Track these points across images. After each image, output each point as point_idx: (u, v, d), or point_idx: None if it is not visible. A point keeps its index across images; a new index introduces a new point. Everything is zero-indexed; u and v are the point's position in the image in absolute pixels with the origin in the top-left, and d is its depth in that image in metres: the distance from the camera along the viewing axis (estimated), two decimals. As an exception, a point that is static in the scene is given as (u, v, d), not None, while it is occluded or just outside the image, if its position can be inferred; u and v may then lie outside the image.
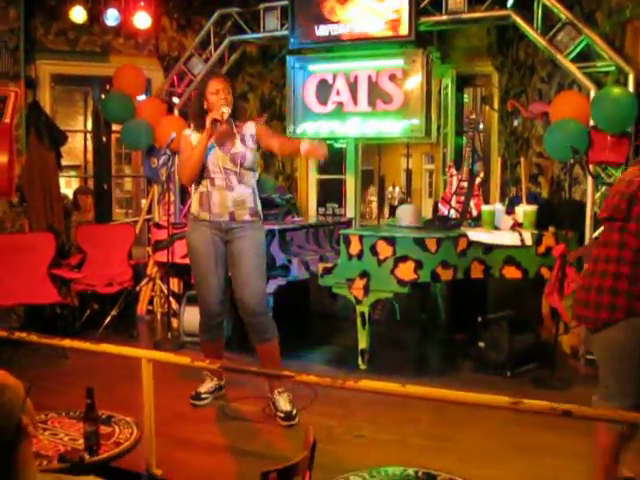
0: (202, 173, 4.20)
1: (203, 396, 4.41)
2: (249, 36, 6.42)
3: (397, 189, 15.69)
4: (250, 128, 4.26)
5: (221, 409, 4.28)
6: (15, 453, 1.67)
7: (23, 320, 5.86)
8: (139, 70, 6.61)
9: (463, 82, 6.55)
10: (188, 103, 6.64)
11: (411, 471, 2.48)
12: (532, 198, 5.44)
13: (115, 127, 7.49)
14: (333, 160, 7.03)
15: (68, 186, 8.39)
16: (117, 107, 6.54)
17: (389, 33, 5.73)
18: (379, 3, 5.73)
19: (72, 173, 10.22)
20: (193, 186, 4.73)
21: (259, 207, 4.27)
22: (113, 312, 6.06)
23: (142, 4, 6.53)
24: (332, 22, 5.94)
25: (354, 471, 2.45)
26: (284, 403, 4.13)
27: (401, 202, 7.85)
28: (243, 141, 4.19)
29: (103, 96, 7.07)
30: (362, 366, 5.03)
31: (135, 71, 6.58)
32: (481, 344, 5.10)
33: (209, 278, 4.25)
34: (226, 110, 4.08)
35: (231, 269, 4.25)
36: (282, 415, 4.09)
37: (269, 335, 4.22)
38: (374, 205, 14.80)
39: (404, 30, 5.64)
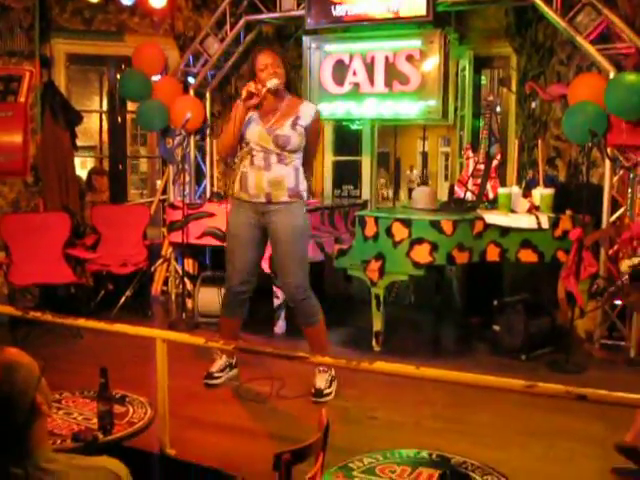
0: (242, 148, 4.12)
1: (216, 375, 4.41)
2: (265, 16, 6.36)
3: (415, 172, 15.55)
4: (308, 114, 4.14)
5: (235, 390, 4.29)
6: (29, 431, 1.67)
7: (38, 300, 5.89)
8: (158, 48, 6.56)
9: (481, 64, 6.47)
10: (203, 83, 6.64)
11: (425, 453, 2.47)
12: (549, 181, 5.39)
13: (130, 107, 7.48)
14: (349, 141, 7.00)
15: (84, 167, 8.41)
16: (134, 85, 6.50)
17: (407, 14, 5.66)
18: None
19: (87, 153, 10.25)
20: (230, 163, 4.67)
21: (301, 187, 4.15)
22: (128, 292, 6.08)
23: (158, -17, 6.48)
24: (349, 2, 5.87)
25: (368, 453, 2.45)
26: (320, 380, 4.16)
27: (423, 184, 7.74)
28: (294, 124, 4.07)
29: (119, 76, 7.06)
30: (376, 348, 5.02)
31: (154, 49, 6.53)
32: (496, 327, 5.07)
33: (235, 258, 4.25)
34: (271, 84, 3.95)
35: (273, 253, 4.25)
36: (313, 391, 4.11)
37: (312, 319, 4.21)
38: (383, 189, 14.68)
39: (422, 10, 5.57)
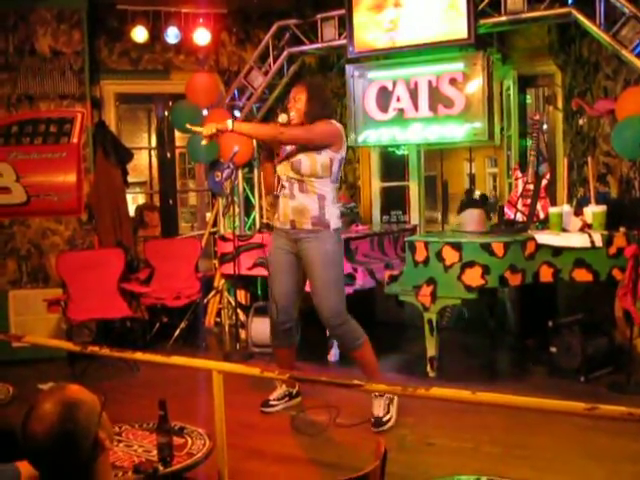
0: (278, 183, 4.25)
1: (272, 403, 4.43)
2: (307, 47, 6.45)
3: (477, 193, 15.26)
4: None
5: (292, 419, 4.29)
6: (94, 466, 1.71)
7: (95, 334, 5.99)
8: (214, 79, 6.69)
9: (525, 83, 6.43)
10: (249, 116, 6.74)
11: (485, 479, 2.43)
12: (601, 198, 5.29)
13: (179, 143, 7.63)
14: (396, 167, 7.01)
15: (135, 202, 8.57)
16: (185, 116, 6.60)
17: (448, 37, 5.68)
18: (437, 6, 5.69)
19: (138, 189, 10.45)
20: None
21: (327, 215, 4.11)
22: (182, 324, 6.16)
23: (201, 20, 6.64)
24: (390, 29, 5.92)
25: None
26: (377, 408, 4.10)
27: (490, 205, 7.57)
28: (305, 147, 4.11)
29: (166, 112, 7.21)
30: (431, 373, 4.98)
31: (210, 80, 6.65)
32: (553, 349, 4.98)
33: (273, 286, 4.31)
34: (281, 119, 4.11)
35: (308, 281, 4.26)
36: (372, 420, 4.07)
37: (354, 344, 4.18)
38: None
39: (463, 33, 5.58)
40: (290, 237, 4.20)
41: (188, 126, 4.39)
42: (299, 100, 4.15)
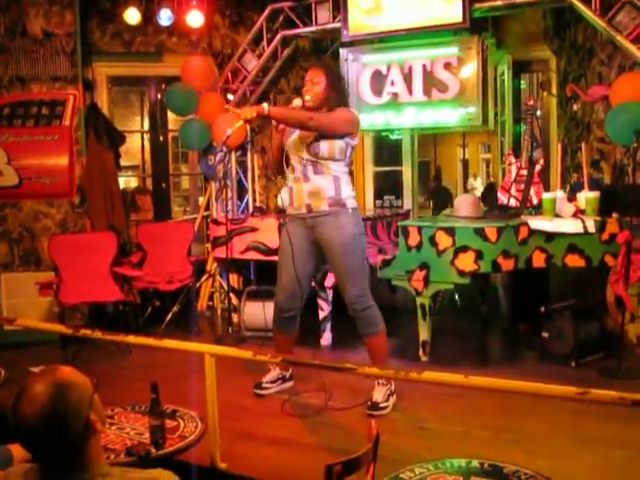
0: (287, 163, 4.19)
1: (265, 386, 4.43)
2: (301, 30, 6.41)
3: (479, 180, 15.14)
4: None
5: (284, 402, 4.29)
6: (85, 448, 1.71)
7: (87, 318, 5.99)
8: (209, 62, 6.64)
9: (520, 68, 6.42)
10: (243, 99, 6.71)
11: (476, 463, 2.45)
12: (594, 184, 5.30)
13: (171, 126, 7.59)
14: (389, 152, 6.99)
15: (127, 186, 8.54)
16: (180, 99, 6.57)
17: (443, 21, 5.65)
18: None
19: (130, 173, 10.41)
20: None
21: (343, 195, 4.10)
22: (174, 308, 6.15)
23: (195, 3, 6.57)
24: (385, 12, 5.88)
25: (419, 463, 2.43)
26: (377, 394, 4.10)
27: (487, 191, 7.50)
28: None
29: (159, 95, 7.16)
30: (423, 358, 4.99)
31: (205, 63, 6.61)
32: (545, 334, 5.00)
33: (281, 273, 4.28)
34: (295, 102, 4.05)
35: (329, 264, 4.24)
36: (369, 403, 4.07)
37: (373, 330, 4.17)
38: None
39: (458, 17, 5.55)
40: (307, 224, 4.16)
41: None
42: (317, 84, 4.08)
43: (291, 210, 4.21)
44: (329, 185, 4.08)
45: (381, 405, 4.06)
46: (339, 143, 4.07)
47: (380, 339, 4.21)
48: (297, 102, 4.08)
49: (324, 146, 4.06)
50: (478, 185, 15.15)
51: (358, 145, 6.82)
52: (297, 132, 4.12)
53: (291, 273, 4.22)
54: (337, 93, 4.13)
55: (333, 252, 4.12)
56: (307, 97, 4.06)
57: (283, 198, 4.27)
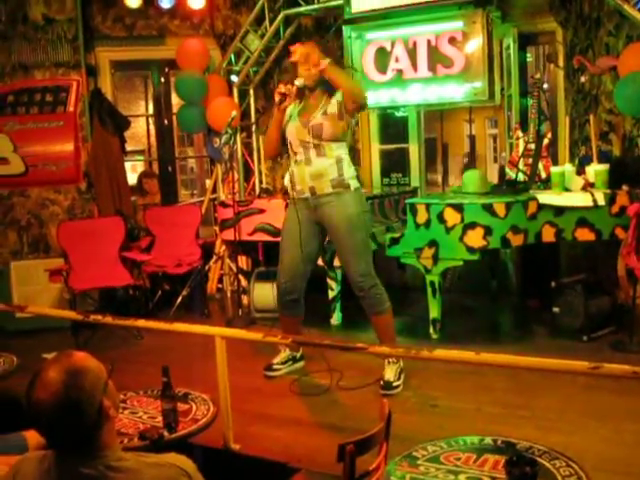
0: (288, 147, 4.17)
1: (275, 367, 4.44)
2: (303, 8, 6.35)
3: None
4: (339, 95, 4.09)
5: (294, 383, 4.30)
6: (98, 434, 1.71)
7: (98, 303, 6.01)
8: (202, 45, 6.59)
9: (526, 41, 6.33)
10: (246, 80, 6.67)
11: (489, 440, 2.44)
12: (603, 157, 5.25)
13: (176, 109, 7.56)
14: (395, 129, 6.94)
15: (134, 171, 8.53)
16: (190, 86, 6.52)
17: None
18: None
19: (137, 157, 10.41)
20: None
21: (346, 175, 4.11)
22: (184, 292, 6.16)
23: (195, -16, 6.52)
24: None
25: (431, 441, 2.43)
26: (389, 373, 4.11)
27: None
28: (325, 112, 4.06)
29: (163, 79, 7.13)
30: (434, 335, 4.99)
31: (199, 47, 6.56)
32: (555, 309, 4.98)
33: (284, 256, 4.27)
34: (298, 82, 3.99)
35: (333, 245, 4.24)
36: (382, 383, 4.08)
37: (379, 308, 4.18)
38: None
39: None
40: (310, 205, 4.16)
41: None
42: (314, 64, 4.02)
43: (294, 193, 4.20)
44: (332, 167, 4.09)
45: (394, 384, 4.06)
46: (341, 123, 4.07)
47: (387, 317, 4.21)
48: (300, 81, 4.02)
49: (327, 126, 4.04)
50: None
51: (364, 123, 6.84)
52: (297, 117, 4.11)
53: (293, 257, 4.23)
54: (339, 67, 4.16)
55: (338, 231, 4.12)
56: (299, 81, 4.00)
57: (285, 181, 4.27)
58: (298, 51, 4.04)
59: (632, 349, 4.52)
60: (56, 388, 1.65)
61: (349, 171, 4.15)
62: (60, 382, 1.66)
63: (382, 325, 4.21)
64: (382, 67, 6.10)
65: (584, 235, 4.86)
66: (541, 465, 2.18)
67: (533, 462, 2.13)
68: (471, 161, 13.52)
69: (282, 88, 4.00)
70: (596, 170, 4.97)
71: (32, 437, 2.29)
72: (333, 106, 4.07)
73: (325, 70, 3.96)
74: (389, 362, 4.13)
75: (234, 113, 5.61)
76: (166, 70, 7.30)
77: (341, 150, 4.12)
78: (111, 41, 6.78)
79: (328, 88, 4.09)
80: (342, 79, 4.05)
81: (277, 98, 4.02)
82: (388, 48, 6.06)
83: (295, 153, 4.13)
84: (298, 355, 4.52)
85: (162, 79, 7.35)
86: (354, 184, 4.16)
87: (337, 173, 4.09)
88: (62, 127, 6.23)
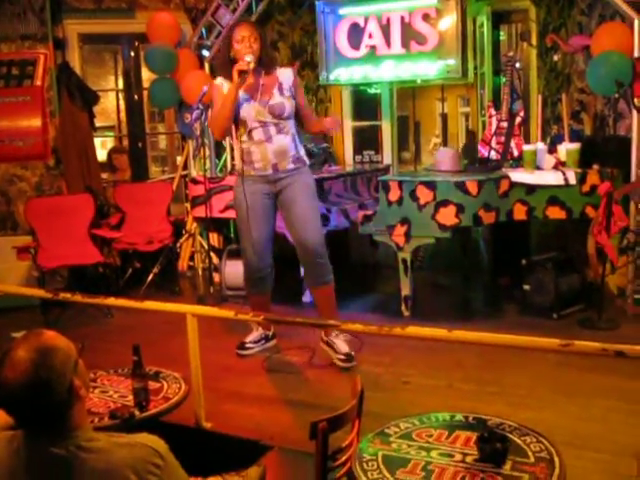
0: (239, 127, 4.14)
1: (247, 345, 4.43)
2: (276, -17, 6.27)
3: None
4: (287, 75, 4.19)
5: (267, 361, 4.30)
6: (68, 414, 1.68)
7: (67, 281, 5.93)
8: (173, 19, 6.48)
9: (499, 19, 6.33)
10: (218, 55, 6.58)
11: (460, 416, 2.45)
12: (575, 136, 5.28)
13: (146, 84, 7.44)
14: (368, 106, 6.90)
15: (104, 147, 8.41)
16: (161, 59, 6.40)
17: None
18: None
19: (107, 133, 10.25)
20: (231, 140, 4.70)
21: (302, 152, 4.25)
22: (155, 269, 6.10)
23: (166, -44, 6.39)
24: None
25: (403, 418, 2.43)
26: (342, 345, 4.15)
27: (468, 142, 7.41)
28: (281, 90, 4.12)
29: (133, 53, 7.00)
30: (406, 313, 5.01)
31: (169, 20, 6.45)
32: (526, 287, 5.02)
33: (250, 232, 4.22)
34: (250, 59, 3.95)
35: (286, 215, 4.22)
36: (342, 357, 4.10)
37: (326, 278, 4.21)
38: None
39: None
40: (269, 180, 4.17)
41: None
42: (256, 40, 4.03)
43: (250, 171, 4.17)
44: (291, 144, 4.16)
45: (352, 354, 4.11)
46: (292, 101, 4.15)
47: (331, 289, 4.25)
48: (250, 58, 3.94)
49: (287, 105, 4.11)
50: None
51: (337, 100, 6.81)
52: (251, 99, 4.07)
53: (260, 232, 4.22)
54: (271, 53, 4.30)
55: (298, 197, 4.16)
56: (250, 57, 3.96)
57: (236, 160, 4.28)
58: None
59: (600, 326, 4.59)
60: (25, 367, 1.62)
61: (301, 147, 4.27)
62: (29, 361, 1.63)
63: (327, 296, 4.23)
64: (355, 43, 6.06)
65: (555, 213, 4.90)
66: (512, 441, 2.20)
67: (504, 438, 2.15)
68: (443, 139, 13.53)
69: (242, 65, 3.93)
70: (567, 149, 5.00)
71: (1, 416, 2.26)
72: (287, 91, 4.13)
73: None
74: (336, 335, 4.19)
75: (205, 88, 5.53)
76: (136, 44, 7.17)
77: (293, 127, 4.21)
78: (79, 13, 6.63)
79: (270, 65, 4.15)
80: None
81: (237, 76, 3.94)
82: (361, 24, 6.02)
83: (250, 132, 4.11)
84: (270, 334, 4.51)
85: (132, 53, 7.21)
86: (307, 160, 4.30)
87: (295, 149, 4.18)
88: (29, 102, 6.08)
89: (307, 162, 4.28)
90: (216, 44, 6.52)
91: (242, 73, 3.95)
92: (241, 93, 4.06)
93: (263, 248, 4.26)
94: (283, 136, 4.12)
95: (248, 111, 4.09)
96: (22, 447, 1.69)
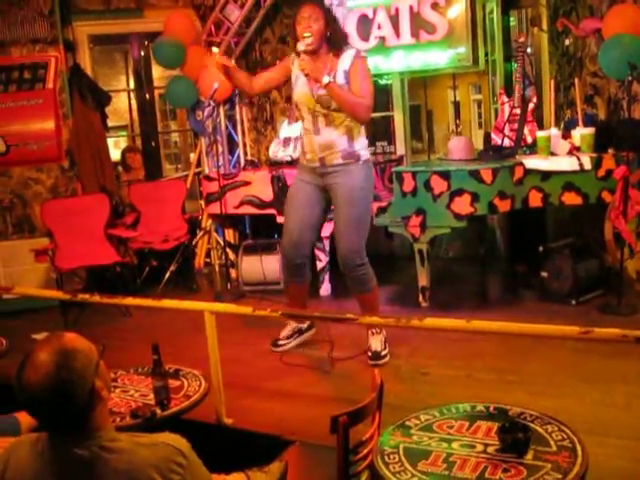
0: (297, 110, 4.10)
1: (280, 342, 4.37)
2: (284, -23, 6.25)
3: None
4: (345, 61, 3.89)
5: (282, 355, 4.29)
6: (90, 415, 1.69)
7: (85, 282, 5.97)
8: (190, 17, 6.48)
9: (508, 4, 6.26)
10: (227, 51, 6.58)
11: (482, 407, 2.44)
12: (589, 120, 5.23)
13: (157, 83, 7.47)
14: (379, 97, 6.88)
15: (117, 147, 8.44)
16: (168, 52, 6.41)
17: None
18: None
19: (120, 133, 10.29)
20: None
21: (357, 147, 3.98)
22: (172, 267, 6.12)
23: (173, -46, 6.39)
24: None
25: (424, 410, 2.43)
26: (375, 343, 4.10)
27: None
28: (335, 78, 3.84)
29: (143, 53, 7.01)
30: (423, 304, 4.99)
31: (186, 19, 6.45)
32: (544, 274, 5.00)
33: (288, 220, 4.20)
34: (307, 41, 3.77)
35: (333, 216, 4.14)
36: (370, 354, 4.07)
37: (365, 287, 4.09)
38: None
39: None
40: (317, 172, 4.07)
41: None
42: (316, 20, 3.82)
43: (303, 160, 4.13)
44: (341, 137, 3.94)
45: (382, 354, 4.07)
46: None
47: (371, 296, 4.14)
48: (303, 44, 3.79)
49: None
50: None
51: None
52: (306, 83, 3.91)
53: (299, 220, 4.13)
54: (340, 31, 3.98)
55: (339, 202, 4.02)
56: (307, 35, 3.78)
57: (299, 147, 4.17)
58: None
59: (620, 312, 4.55)
60: (47, 370, 1.63)
61: (360, 141, 4.02)
62: (51, 364, 1.64)
63: (365, 303, 4.14)
64: (365, 35, 6.03)
65: (571, 199, 4.86)
66: (533, 430, 2.19)
67: (526, 428, 2.14)
68: (455, 128, 13.46)
69: (298, 46, 3.77)
70: (582, 134, 4.96)
71: (25, 418, 2.28)
72: (340, 76, 3.88)
73: (327, 87, 3.78)
74: (373, 333, 4.12)
75: (216, 85, 5.54)
76: (146, 43, 7.19)
77: (349, 120, 3.93)
78: (89, 15, 6.64)
79: (336, 45, 3.91)
80: (342, 101, 3.84)
81: (297, 58, 3.81)
82: (370, 15, 5.98)
83: (303, 119, 4.02)
84: (305, 326, 4.42)
85: (142, 52, 7.23)
86: (364, 156, 4.04)
87: (347, 144, 3.96)
88: (42, 105, 6.12)
89: (362, 157, 4.01)
90: (225, 41, 6.53)
91: (299, 55, 3.77)
92: (300, 76, 3.92)
93: (298, 237, 4.13)
94: (332, 129, 3.93)
95: (300, 95, 3.97)
96: (46, 449, 1.70)
